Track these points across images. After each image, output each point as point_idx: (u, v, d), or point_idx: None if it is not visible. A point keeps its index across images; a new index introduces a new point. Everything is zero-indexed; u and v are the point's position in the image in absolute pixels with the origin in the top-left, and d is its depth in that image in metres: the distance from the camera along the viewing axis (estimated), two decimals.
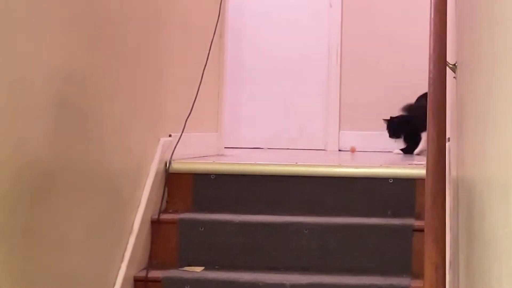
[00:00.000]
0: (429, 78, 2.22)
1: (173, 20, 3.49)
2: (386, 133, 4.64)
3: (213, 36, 3.84)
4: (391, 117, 4.65)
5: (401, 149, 4.62)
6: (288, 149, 5.07)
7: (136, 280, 2.98)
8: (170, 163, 3.32)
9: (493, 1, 1.20)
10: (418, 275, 2.86)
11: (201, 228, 3.12)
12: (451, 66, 2.42)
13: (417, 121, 4.42)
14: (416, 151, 4.50)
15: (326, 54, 5.11)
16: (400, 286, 2.83)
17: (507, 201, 1.01)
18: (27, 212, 2.20)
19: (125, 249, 2.94)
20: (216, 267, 3.07)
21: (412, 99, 4.62)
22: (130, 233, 2.99)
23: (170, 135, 3.41)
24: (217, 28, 3.92)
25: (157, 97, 3.31)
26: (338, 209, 3.22)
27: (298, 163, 3.42)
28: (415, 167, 3.24)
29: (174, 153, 3.36)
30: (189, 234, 3.13)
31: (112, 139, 2.81)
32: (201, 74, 3.68)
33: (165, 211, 3.27)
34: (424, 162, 2.22)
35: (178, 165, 3.35)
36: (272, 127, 5.17)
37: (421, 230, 2.70)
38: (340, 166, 3.36)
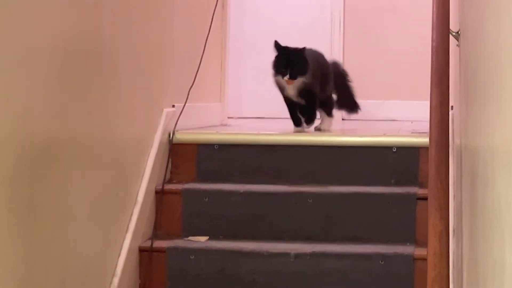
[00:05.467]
0: (432, 46, 2.22)
1: None
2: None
3: (215, 6, 3.82)
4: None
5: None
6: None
7: (141, 250, 3.00)
8: (173, 133, 3.32)
9: None
10: (422, 243, 2.87)
11: (205, 198, 3.13)
12: (454, 34, 2.41)
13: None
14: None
15: (329, 23, 5.08)
16: (404, 254, 2.84)
17: (510, 171, 1.01)
18: (31, 185, 2.20)
19: (130, 220, 2.95)
20: (221, 237, 3.08)
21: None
22: (135, 204, 3.00)
23: (173, 106, 3.41)
24: None
25: (160, 68, 3.30)
26: (341, 178, 3.22)
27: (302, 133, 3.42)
28: (419, 136, 3.24)
29: (177, 124, 3.36)
30: (194, 204, 3.14)
31: (115, 110, 2.81)
32: (203, 45, 3.67)
33: (169, 181, 3.28)
34: (428, 130, 2.22)
35: (181, 136, 3.35)
36: (275, 97, 5.14)
37: (425, 199, 2.71)
38: (343, 135, 3.36)
